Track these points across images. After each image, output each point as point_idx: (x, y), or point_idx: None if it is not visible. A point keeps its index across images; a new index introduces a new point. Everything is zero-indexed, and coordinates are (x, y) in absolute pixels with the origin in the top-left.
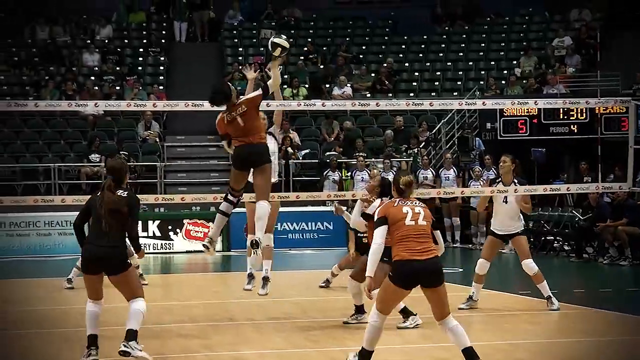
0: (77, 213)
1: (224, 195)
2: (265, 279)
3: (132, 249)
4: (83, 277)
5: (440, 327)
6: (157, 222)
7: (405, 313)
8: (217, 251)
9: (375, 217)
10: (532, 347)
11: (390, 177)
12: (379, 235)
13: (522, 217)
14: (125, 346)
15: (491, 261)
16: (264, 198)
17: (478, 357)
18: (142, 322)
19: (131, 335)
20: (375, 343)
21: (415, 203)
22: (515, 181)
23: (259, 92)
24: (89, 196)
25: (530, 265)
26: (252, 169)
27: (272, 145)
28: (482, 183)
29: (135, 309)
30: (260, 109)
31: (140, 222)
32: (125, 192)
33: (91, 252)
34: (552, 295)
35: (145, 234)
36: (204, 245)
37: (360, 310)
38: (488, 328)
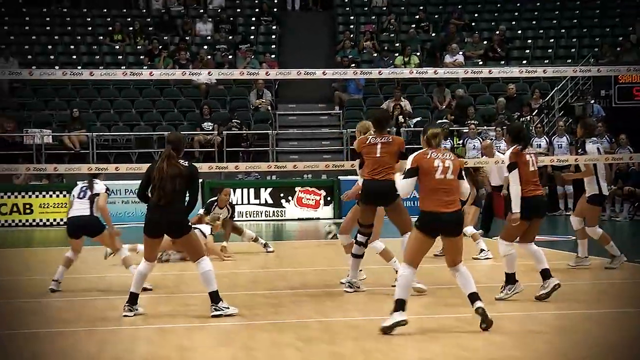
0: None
1: (355, 235)
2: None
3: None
4: (144, 238)
5: (451, 272)
6: (269, 189)
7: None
8: (328, 218)
9: (408, 166)
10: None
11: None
12: (409, 185)
13: (596, 185)
14: (215, 309)
15: (581, 217)
16: (409, 230)
17: (480, 299)
18: (214, 278)
19: (214, 297)
20: (409, 293)
21: (446, 155)
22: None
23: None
24: (203, 164)
25: (595, 231)
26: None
27: None
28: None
29: (203, 272)
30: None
31: (252, 190)
32: (186, 162)
33: (153, 218)
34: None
35: (257, 201)
36: (345, 291)
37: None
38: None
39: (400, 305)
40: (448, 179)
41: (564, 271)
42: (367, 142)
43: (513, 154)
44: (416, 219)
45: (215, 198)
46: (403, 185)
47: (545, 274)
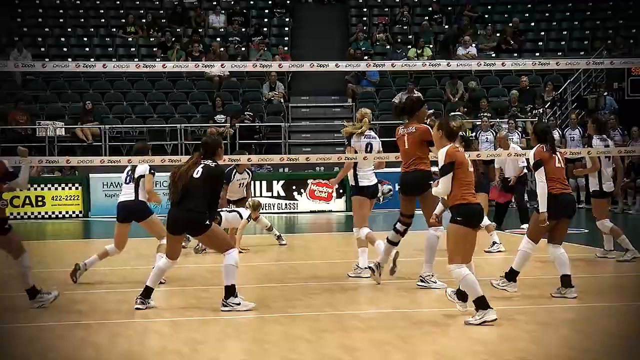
0: None
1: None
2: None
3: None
4: (167, 235)
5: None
6: (281, 182)
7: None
8: (340, 211)
9: (442, 162)
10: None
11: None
12: (447, 183)
13: (599, 179)
14: (224, 305)
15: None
16: (436, 225)
17: (467, 296)
18: (236, 272)
19: (228, 291)
20: (479, 288)
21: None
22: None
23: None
24: None
25: (605, 225)
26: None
27: None
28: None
29: (226, 264)
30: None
31: (265, 182)
32: (213, 164)
33: (171, 216)
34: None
35: (269, 194)
36: (369, 267)
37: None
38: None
39: (481, 303)
40: (472, 171)
41: (583, 263)
42: (398, 134)
43: (537, 152)
44: (453, 216)
45: (233, 165)
46: (442, 183)
47: (566, 281)
